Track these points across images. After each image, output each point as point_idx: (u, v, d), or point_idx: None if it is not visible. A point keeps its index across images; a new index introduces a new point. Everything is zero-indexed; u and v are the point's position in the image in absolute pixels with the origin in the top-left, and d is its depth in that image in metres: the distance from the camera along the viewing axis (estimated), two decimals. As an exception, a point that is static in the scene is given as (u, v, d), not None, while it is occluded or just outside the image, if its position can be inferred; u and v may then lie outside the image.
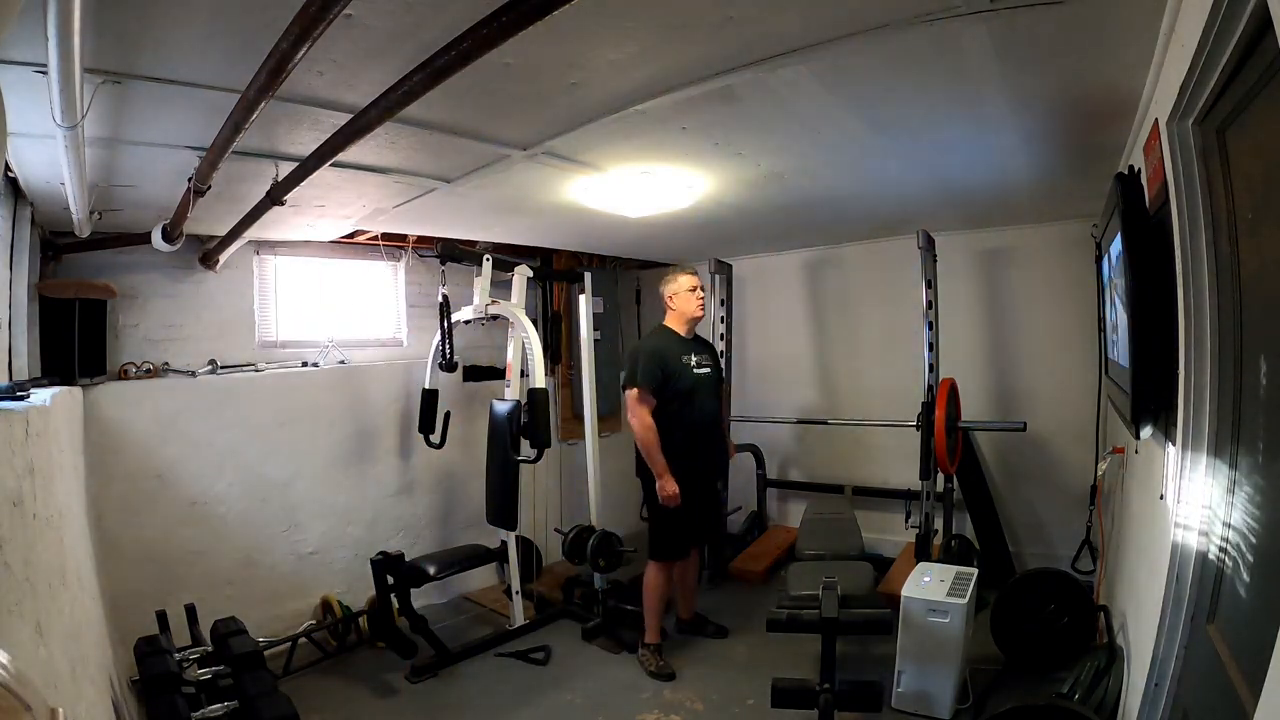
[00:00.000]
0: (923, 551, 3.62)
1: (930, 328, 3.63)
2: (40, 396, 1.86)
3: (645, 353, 3.19)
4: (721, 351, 4.56)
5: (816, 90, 1.93)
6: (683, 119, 2.12)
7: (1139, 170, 2.04)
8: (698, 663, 3.32)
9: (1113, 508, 3.16)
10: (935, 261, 3.65)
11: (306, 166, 2.07)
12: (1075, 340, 3.93)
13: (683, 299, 3.30)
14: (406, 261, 4.47)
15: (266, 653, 2.93)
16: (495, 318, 3.80)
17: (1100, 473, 3.39)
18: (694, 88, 1.83)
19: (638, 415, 3.11)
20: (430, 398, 3.97)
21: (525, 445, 3.49)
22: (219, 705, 2.52)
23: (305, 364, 3.95)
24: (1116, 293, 2.23)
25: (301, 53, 1.28)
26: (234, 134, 1.71)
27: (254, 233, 3.12)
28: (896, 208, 3.63)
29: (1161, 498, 1.81)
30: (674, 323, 3.33)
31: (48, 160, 2.00)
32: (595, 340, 4.14)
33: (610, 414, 5.34)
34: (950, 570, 2.91)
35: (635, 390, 3.10)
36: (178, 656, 2.69)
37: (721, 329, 4.58)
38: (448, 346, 3.68)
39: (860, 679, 2.72)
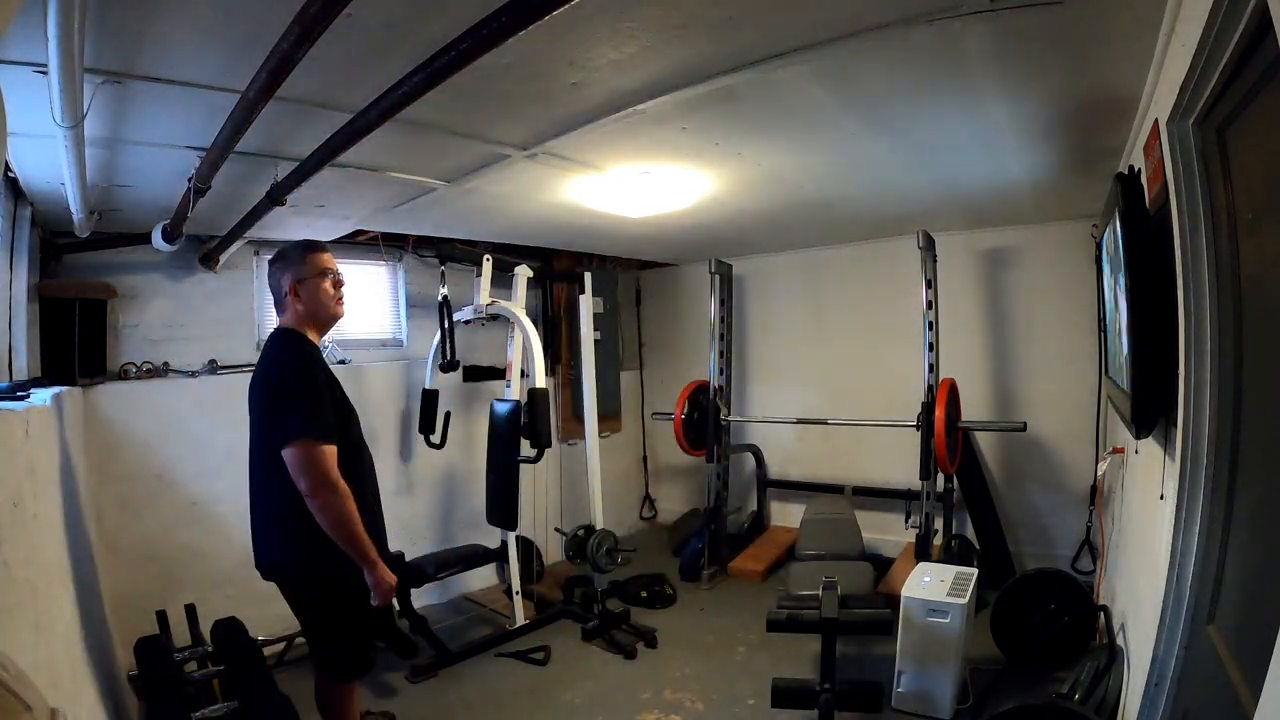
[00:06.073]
0: (923, 551, 3.62)
1: (930, 328, 3.62)
2: (40, 396, 1.86)
3: (309, 379, 1.98)
4: (721, 352, 4.57)
5: (816, 90, 1.93)
6: (683, 119, 2.12)
7: (1139, 170, 2.04)
8: (698, 663, 3.32)
9: (1113, 508, 3.16)
10: (935, 261, 3.65)
11: (306, 167, 2.07)
12: (1075, 340, 3.93)
13: (312, 291, 2.10)
14: (406, 261, 4.47)
15: (266, 652, 2.93)
16: (495, 318, 3.79)
17: (1100, 473, 3.39)
18: (694, 88, 1.84)
19: (330, 480, 1.89)
20: (430, 398, 3.97)
21: (525, 445, 3.50)
22: (219, 705, 2.52)
23: (305, 364, 3.95)
24: (1116, 292, 2.23)
25: (301, 53, 1.29)
26: (234, 134, 1.72)
27: (254, 233, 3.12)
28: (896, 208, 3.63)
29: (1161, 498, 1.81)
30: (301, 325, 2.10)
31: (48, 160, 2.00)
32: (595, 340, 4.14)
33: (611, 414, 5.35)
34: (950, 570, 2.90)
35: (314, 443, 1.89)
36: (178, 656, 2.69)
37: (721, 329, 4.58)
38: (448, 346, 3.68)
39: (860, 679, 2.72)
